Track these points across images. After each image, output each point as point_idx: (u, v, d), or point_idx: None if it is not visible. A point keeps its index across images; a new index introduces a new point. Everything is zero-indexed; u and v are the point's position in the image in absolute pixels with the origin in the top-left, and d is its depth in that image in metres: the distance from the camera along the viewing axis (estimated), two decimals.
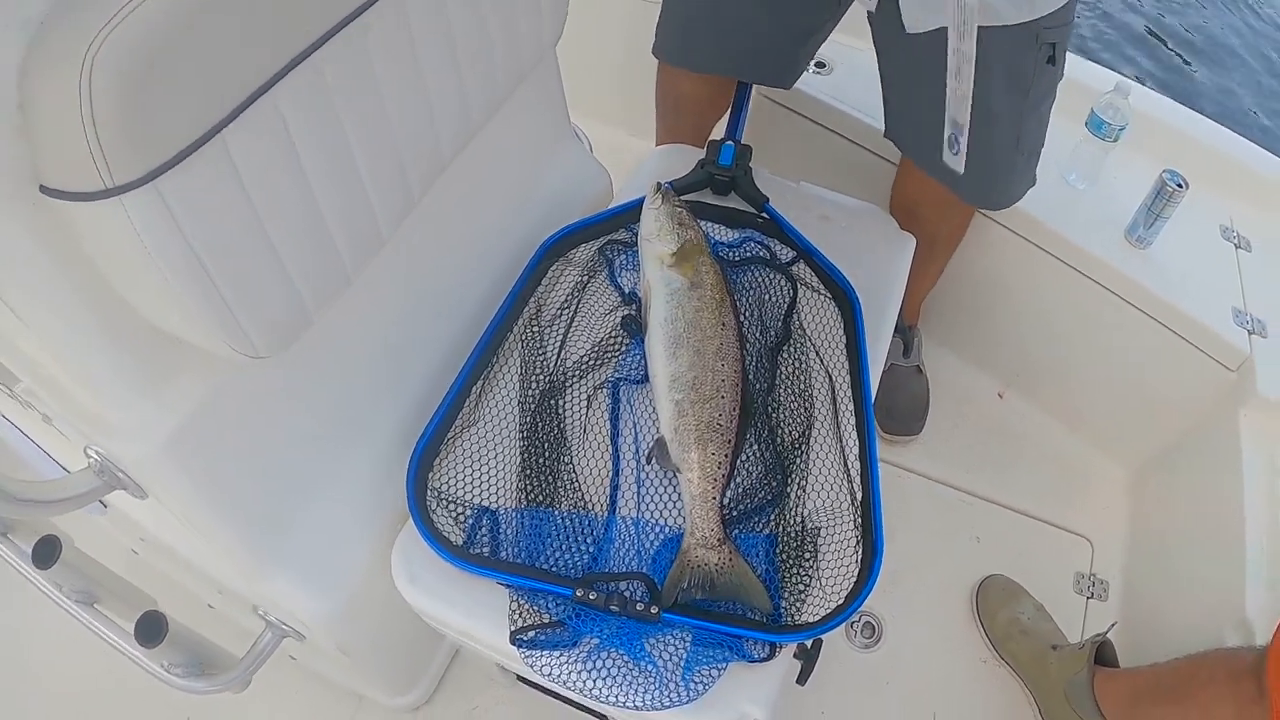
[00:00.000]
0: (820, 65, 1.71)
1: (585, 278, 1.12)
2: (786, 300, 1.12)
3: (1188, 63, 3.77)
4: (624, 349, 1.05)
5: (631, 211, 1.15)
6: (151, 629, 0.93)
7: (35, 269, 0.63)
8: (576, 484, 0.95)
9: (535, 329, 1.06)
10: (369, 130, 0.78)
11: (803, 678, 0.90)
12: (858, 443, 1.00)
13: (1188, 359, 1.45)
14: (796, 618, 0.87)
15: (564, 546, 0.90)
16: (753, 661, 0.85)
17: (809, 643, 0.89)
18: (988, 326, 1.74)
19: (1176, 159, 1.50)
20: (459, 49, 0.88)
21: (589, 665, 0.83)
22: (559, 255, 1.15)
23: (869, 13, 1.22)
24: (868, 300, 1.12)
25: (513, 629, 0.85)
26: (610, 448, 0.97)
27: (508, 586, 0.88)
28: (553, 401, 1.00)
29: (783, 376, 1.05)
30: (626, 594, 0.85)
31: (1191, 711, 1.08)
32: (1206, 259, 1.52)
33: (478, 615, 0.88)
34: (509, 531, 0.90)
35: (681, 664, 0.83)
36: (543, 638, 0.85)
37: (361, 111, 0.76)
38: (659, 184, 1.12)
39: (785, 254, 1.17)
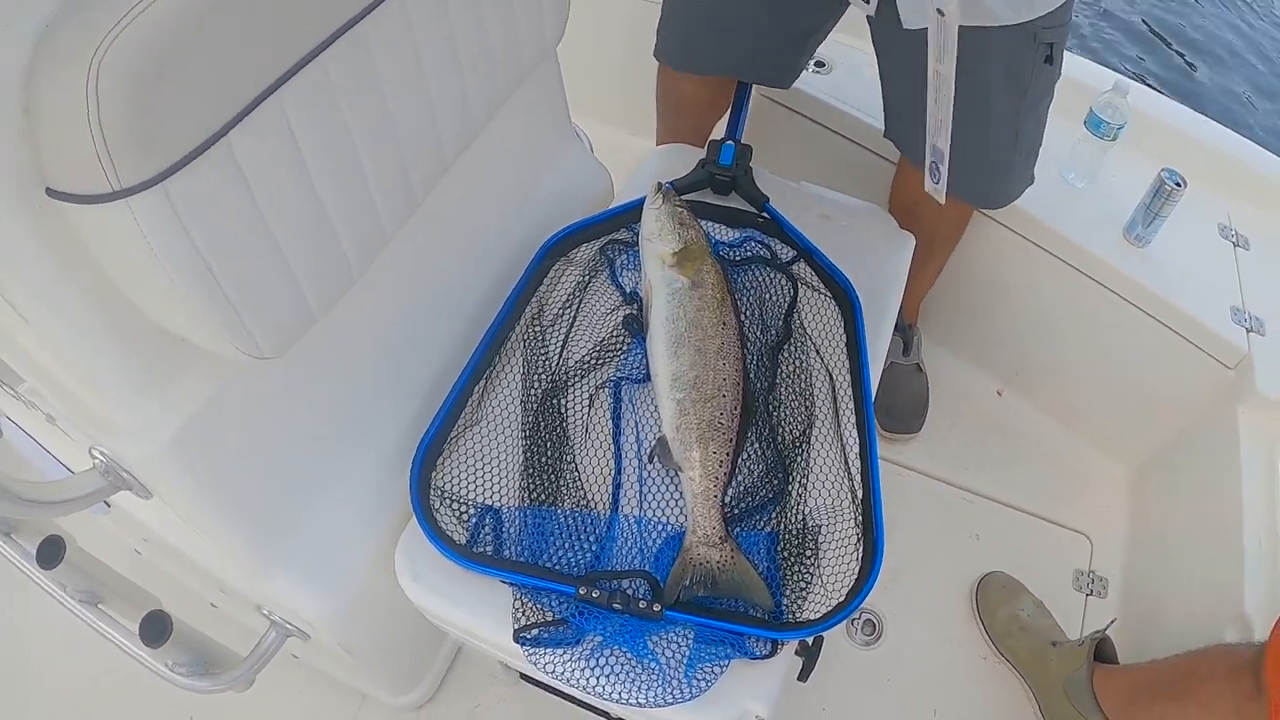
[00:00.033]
0: (820, 65, 1.72)
1: (587, 277, 1.13)
2: (787, 299, 1.12)
3: (1189, 62, 3.77)
4: (625, 348, 1.06)
5: (632, 211, 1.16)
6: (156, 629, 0.94)
7: (41, 271, 0.63)
8: (579, 482, 0.95)
9: (537, 328, 1.07)
10: (372, 131, 0.79)
11: (804, 675, 0.90)
12: (858, 441, 1.00)
13: (1186, 357, 1.45)
14: (798, 615, 0.87)
15: (567, 545, 0.90)
16: (755, 659, 0.86)
17: (810, 640, 0.89)
18: (987, 325, 1.74)
19: (1175, 158, 1.51)
20: (461, 50, 0.89)
21: (592, 663, 0.84)
22: (560, 255, 1.15)
23: (874, 9, 1.22)
24: (868, 299, 1.12)
25: (516, 627, 0.86)
26: (612, 446, 0.98)
27: (511, 585, 0.88)
28: (555, 400, 1.01)
29: (783, 375, 1.05)
30: (629, 592, 0.86)
31: (1191, 707, 1.08)
32: (1205, 257, 1.53)
33: (481, 613, 0.89)
34: (512, 530, 0.91)
35: (684, 661, 0.83)
36: (546, 635, 0.85)
37: (365, 112, 0.77)
38: (660, 184, 1.12)
39: (786, 253, 1.18)
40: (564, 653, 0.85)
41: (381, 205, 0.83)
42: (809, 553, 0.91)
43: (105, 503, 1.01)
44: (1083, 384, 1.67)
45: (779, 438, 1.00)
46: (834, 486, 0.97)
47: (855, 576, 0.90)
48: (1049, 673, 1.32)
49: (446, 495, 0.93)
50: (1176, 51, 3.83)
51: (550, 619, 0.86)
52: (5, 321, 0.68)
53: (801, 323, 1.10)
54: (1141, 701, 1.17)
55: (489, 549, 0.90)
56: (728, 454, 0.93)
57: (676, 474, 0.94)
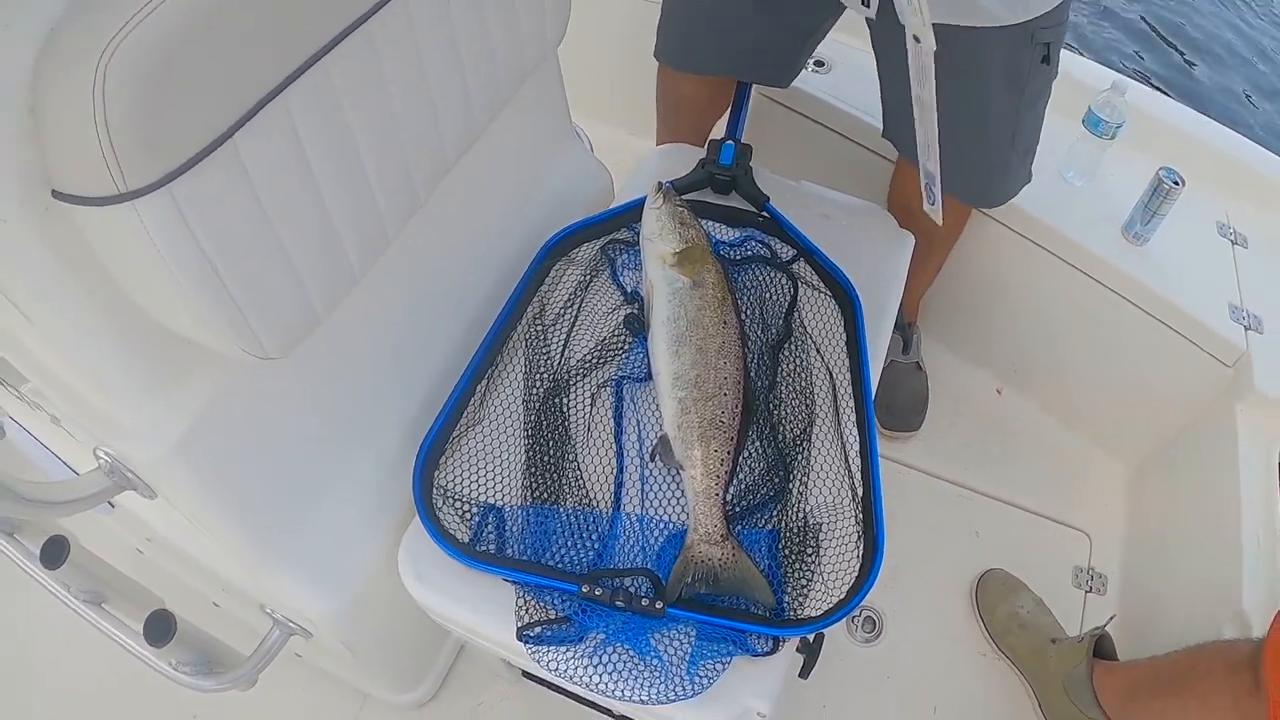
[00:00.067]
0: (820, 64, 1.72)
1: (588, 277, 1.13)
2: (787, 298, 1.13)
3: (1188, 61, 3.78)
4: (627, 347, 1.06)
5: (633, 211, 1.16)
6: (160, 628, 0.94)
7: (46, 272, 0.63)
8: (581, 481, 0.95)
9: (539, 328, 1.07)
10: (376, 132, 0.79)
11: (805, 671, 0.91)
12: (858, 439, 1.01)
13: (1185, 355, 1.46)
14: (799, 612, 0.88)
15: (569, 543, 0.90)
16: (756, 656, 0.86)
17: (811, 637, 0.90)
18: (986, 323, 1.75)
19: (1173, 156, 1.51)
20: (463, 51, 0.89)
21: (595, 660, 0.84)
22: (561, 255, 1.16)
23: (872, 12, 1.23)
24: (867, 298, 1.13)
25: (520, 625, 0.86)
26: (614, 445, 0.98)
27: (514, 583, 0.89)
28: (557, 400, 1.01)
29: (784, 374, 1.06)
30: (631, 589, 0.86)
31: (1190, 703, 1.08)
32: (1203, 256, 1.53)
33: (484, 612, 0.89)
34: (515, 528, 0.91)
35: (686, 658, 0.84)
36: (549, 633, 0.86)
37: (369, 113, 0.77)
38: (660, 183, 1.13)
39: (786, 252, 1.18)
40: (567, 650, 0.85)
41: (385, 206, 0.84)
42: (810, 550, 0.92)
43: (109, 503, 1.02)
44: (1082, 382, 1.67)
45: (780, 436, 1.00)
46: (835, 484, 0.97)
47: (856, 574, 0.90)
48: (1048, 669, 1.33)
49: (449, 494, 0.94)
50: (1175, 50, 3.84)
51: (553, 617, 0.86)
52: (10, 322, 0.68)
53: (802, 321, 1.11)
54: (1140, 698, 1.18)
55: (492, 547, 0.90)
56: (729, 452, 0.94)
57: (678, 472, 0.95)
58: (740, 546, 0.89)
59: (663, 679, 0.83)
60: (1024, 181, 1.38)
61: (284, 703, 1.32)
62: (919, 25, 0.85)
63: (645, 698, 0.82)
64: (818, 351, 1.08)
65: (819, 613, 0.87)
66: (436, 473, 0.95)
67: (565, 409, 1.01)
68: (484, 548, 0.90)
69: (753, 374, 1.03)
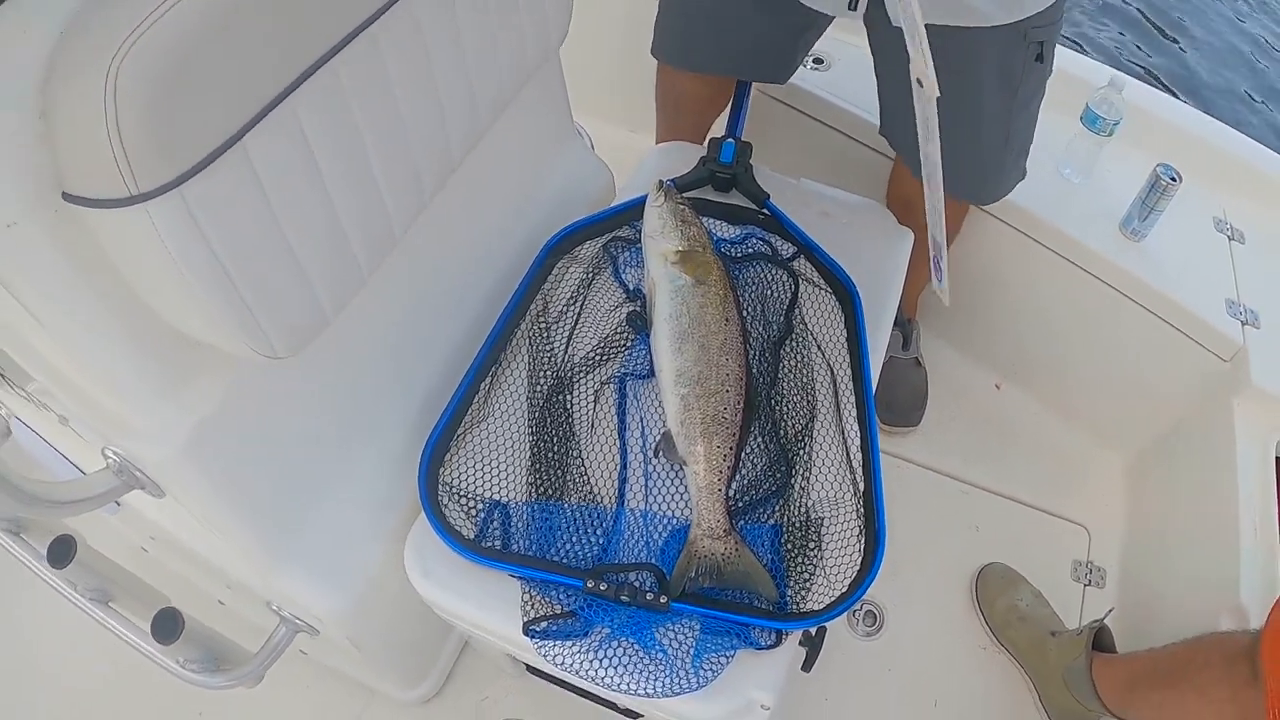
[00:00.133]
0: (819, 61, 1.73)
1: (590, 275, 1.14)
2: (788, 295, 1.14)
3: (1186, 59, 3.78)
4: (629, 344, 1.07)
5: (634, 209, 1.17)
6: (167, 626, 0.94)
7: (57, 275, 0.64)
8: (585, 477, 0.96)
9: (542, 325, 1.08)
10: (383, 132, 0.80)
11: (807, 665, 0.92)
12: (859, 434, 1.02)
13: (1182, 350, 1.47)
14: (802, 606, 0.89)
15: (574, 538, 0.91)
16: (759, 649, 0.87)
17: (814, 630, 0.91)
18: (985, 319, 1.76)
19: (1170, 152, 1.52)
20: (468, 52, 0.89)
21: (601, 654, 0.85)
22: (564, 253, 1.16)
23: (863, 15, 1.23)
24: (867, 294, 1.13)
25: (526, 620, 0.87)
26: (618, 441, 0.99)
27: (520, 578, 0.89)
28: (560, 396, 1.02)
29: (785, 370, 1.06)
30: (636, 584, 0.87)
31: (1188, 695, 1.09)
32: (1200, 251, 1.54)
33: (490, 607, 0.90)
34: (520, 524, 0.92)
35: (691, 652, 0.85)
36: (555, 628, 0.86)
37: (376, 114, 0.78)
38: (661, 182, 1.13)
39: (786, 249, 1.19)
40: (573, 645, 0.86)
41: (392, 206, 0.84)
42: (812, 545, 0.93)
43: (115, 502, 1.02)
44: (1080, 377, 1.68)
45: (781, 432, 1.01)
46: (836, 479, 0.98)
47: (857, 568, 0.91)
48: (1048, 662, 1.34)
49: (454, 491, 0.94)
50: (1173, 44, 3.84)
51: (559, 612, 0.87)
52: (20, 324, 0.68)
53: (803, 318, 1.12)
54: (1139, 690, 1.19)
55: (497, 543, 0.91)
56: (731, 448, 0.95)
57: (681, 468, 0.96)
58: (743, 541, 0.90)
59: (668, 672, 0.84)
60: (1018, 179, 1.38)
61: (290, 699, 1.32)
62: (921, 67, 0.84)
63: (651, 691, 0.83)
64: (818, 348, 1.09)
65: (821, 606, 0.88)
66: (442, 470, 0.96)
67: (569, 406, 1.02)
68: (489, 544, 0.91)
69: (754, 370, 1.04)
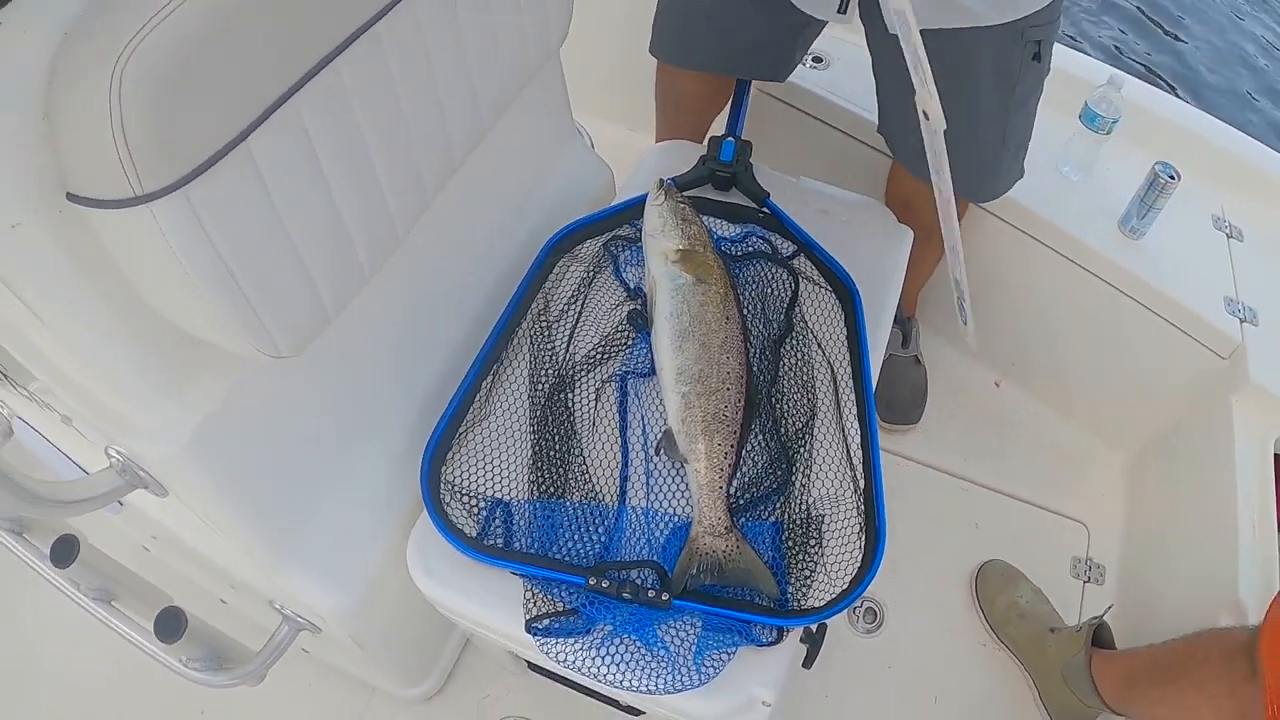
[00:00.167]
0: (818, 60, 1.73)
1: (591, 273, 1.14)
2: (788, 293, 1.14)
3: (1186, 57, 3.79)
4: (630, 343, 1.07)
5: (635, 207, 1.17)
6: (170, 625, 0.95)
7: (61, 275, 0.64)
8: (587, 475, 0.97)
9: (543, 324, 1.08)
10: (385, 133, 0.80)
11: (808, 662, 0.92)
12: (859, 432, 1.02)
13: (1181, 347, 1.47)
14: (802, 603, 0.89)
15: (576, 536, 0.92)
16: (761, 646, 0.88)
17: (814, 627, 0.91)
18: (984, 317, 1.75)
19: (1169, 151, 1.52)
20: (470, 52, 0.90)
21: (603, 651, 0.85)
22: (564, 251, 1.17)
23: (860, 15, 1.23)
24: (867, 292, 1.14)
25: (528, 617, 0.87)
26: (619, 439, 1.00)
27: (522, 576, 0.90)
28: (562, 395, 1.02)
29: (786, 368, 1.07)
30: (638, 582, 0.87)
31: (1187, 690, 1.10)
32: (1199, 249, 1.55)
33: (492, 605, 0.90)
34: (522, 522, 0.92)
35: (693, 649, 0.85)
36: (557, 626, 0.87)
37: (378, 115, 0.78)
38: (662, 180, 1.14)
39: (786, 248, 1.19)
40: (575, 642, 0.86)
41: (394, 206, 0.85)
42: (813, 542, 0.93)
43: (118, 501, 1.03)
44: (1079, 374, 1.69)
45: (782, 429, 1.02)
46: (836, 477, 0.98)
47: (858, 565, 0.91)
48: (1047, 659, 1.34)
49: (457, 489, 0.95)
50: (1172, 42, 3.85)
51: (561, 609, 0.88)
52: (23, 324, 0.69)
53: (803, 316, 1.12)
54: (1139, 686, 1.19)
55: (499, 541, 0.91)
56: (732, 446, 0.95)
57: (682, 466, 0.96)
58: (744, 538, 0.90)
59: (670, 669, 0.84)
60: (1016, 177, 1.39)
61: (292, 698, 1.33)
62: (925, 97, 0.84)
63: (653, 688, 0.84)
64: (819, 346, 1.10)
65: (822, 603, 0.89)
66: (444, 468, 0.96)
67: (570, 404, 1.02)
68: (491, 542, 0.91)
69: (755, 368, 1.04)
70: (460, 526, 0.92)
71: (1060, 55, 1.25)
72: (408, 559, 0.94)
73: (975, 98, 1.21)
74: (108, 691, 1.34)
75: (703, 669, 0.84)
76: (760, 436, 1.01)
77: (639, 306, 1.09)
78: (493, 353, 1.04)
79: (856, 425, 1.02)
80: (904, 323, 1.70)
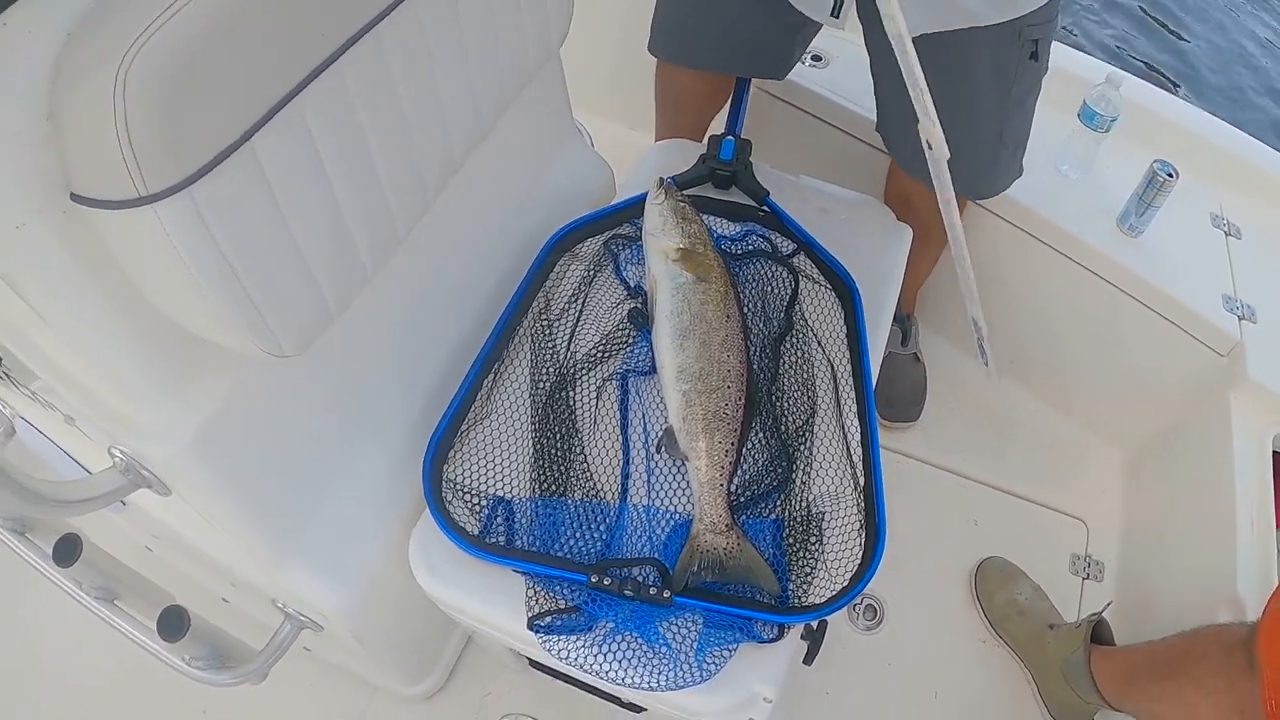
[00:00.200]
0: (817, 59, 1.73)
1: (591, 272, 1.14)
2: (788, 292, 1.14)
3: (1186, 55, 3.79)
4: (631, 341, 1.08)
5: (635, 206, 1.17)
6: (173, 624, 0.95)
7: (65, 275, 0.64)
8: (588, 473, 0.97)
9: (544, 323, 1.09)
10: (387, 133, 0.80)
11: (809, 658, 0.93)
12: (859, 429, 1.02)
13: (1179, 345, 1.48)
14: (803, 600, 0.89)
15: (577, 534, 0.92)
16: (762, 642, 0.88)
17: (815, 624, 0.91)
18: (984, 315, 1.76)
19: (1167, 149, 1.53)
20: (471, 53, 0.90)
21: (605, 648, 0.86)
22: (565, 250, 1.17)
23: (858, 14, 1.23)
24: (867, 290, 1.14)
25: (530, 615, 0.88)
26: (620, 437, 1.00)
27: (524, 574, 0.90)
28: (563, 393, 1.03)
29: (786, 366, 1.07)
30: (639, 579, 0.88)
31: (1185, 686, 1.10)
32: (1197, 246, 1.55)
33: (494, 603, 0.90)
34: (523, 520, 0.93)
35: (694, 646, 0.86)
36: (559, 623, 0.87)
37: (380, 115, 0.78)
38: (662, 179, 1.14)
39: (786, 246, 1.20)
40: (577, 639, 0.87)
41: (396, 205, 0.85)
42: (813, 539, 0.93)
43: (121, 501, 1.03)
44: (1078, 372, 1.69)
45: (782, 427, 1.02)
46: (837, 474, 0.99)
47: (858, 562, 0.92)
48: (1047, 655, 1.35)
49: (458, 487, 0.95)
50: (1172, 40, 3.85)
51: (563, 607, 0.88)
52: (26, 324, 0.69)
53: (803, 314, 1.12)
54: (1138, 682, 1.19)
55: (501, 539, 0.92)
56: (733, 443, 0.95)
57: (683, 464, 0.96)
58: (745, 536, 0.91)
59: (671, 666, 0.84)
60: (1014, 176, 1.39)
61: (294, 696, 1.33)
62: (929, 126, 0.84)
63: (655, 684, 0.84)
64: (819, 344, 1.10)
65: (823, 600, 0.89)
66: (445, 466, 0.96)
67: (571, 402, 1.02)
68: (493, 540, 0.92)
69: (755, 367, 1.04)
70: (462, 524, 0.92)
71: (1059, 53, 1.26)
72: (410, 557, 0.94)
73: (973, 97, 1.22)
74: (110, 691, 1.35)
75: (704, 666, 0.85)
76: (760, 434, 1.01)
77: (639, 305, 1.10)
78: (494, 351, 1.05)
79: (856, 423, 1.03)
80: (903, 320, 1.70)
